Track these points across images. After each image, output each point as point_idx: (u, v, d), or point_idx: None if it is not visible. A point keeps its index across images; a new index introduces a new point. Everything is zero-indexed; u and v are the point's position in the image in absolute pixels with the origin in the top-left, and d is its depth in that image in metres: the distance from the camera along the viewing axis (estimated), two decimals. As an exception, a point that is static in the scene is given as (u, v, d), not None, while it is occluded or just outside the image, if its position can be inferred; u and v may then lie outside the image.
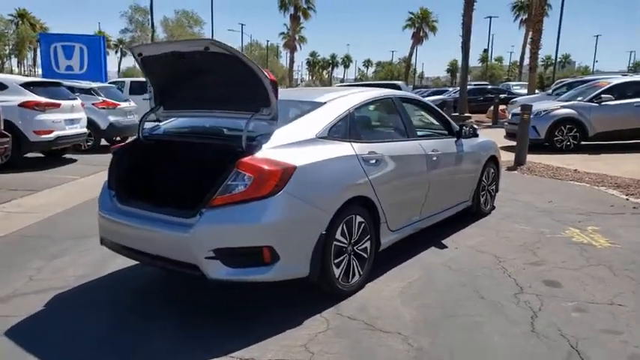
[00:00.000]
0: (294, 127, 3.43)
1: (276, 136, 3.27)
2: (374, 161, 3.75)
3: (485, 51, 64.96)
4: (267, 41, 71.76)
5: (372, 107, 4.20)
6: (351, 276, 3.57)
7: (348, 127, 3.76)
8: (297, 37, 49.73)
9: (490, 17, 51.90)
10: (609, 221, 5.55)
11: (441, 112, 5.17)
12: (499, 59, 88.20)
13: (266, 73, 3.19)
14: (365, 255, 3.70)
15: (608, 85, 11.34)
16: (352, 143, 3.68)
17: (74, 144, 10.73)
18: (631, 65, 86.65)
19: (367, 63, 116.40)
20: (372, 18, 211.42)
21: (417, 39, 56.56)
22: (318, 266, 3.26)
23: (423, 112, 5.10)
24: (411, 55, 59.31)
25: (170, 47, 3.33)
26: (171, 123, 4.07)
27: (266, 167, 3.04)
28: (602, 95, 11.05)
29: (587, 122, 11.02)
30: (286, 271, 3.14)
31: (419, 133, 4.72)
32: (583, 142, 11.19)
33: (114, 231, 3.54)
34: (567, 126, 11.11)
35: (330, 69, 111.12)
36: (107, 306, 3.57)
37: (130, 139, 3.97)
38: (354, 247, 3.58)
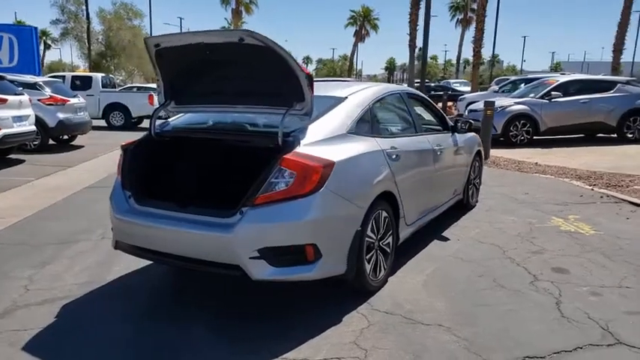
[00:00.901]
0: (324, 123, 3.38)
1: (311, 131, 3.22)
2: (395, 156, 3.77)
3: (421, 49, 66.95)
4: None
5: (386, 102, 4.22)
6: (378, 271, 3.58)
7: (371, 122, 3.77)
8: (237, 32, 48.78)
9: (429, 16, 53.37)
10: (585, 210, 5.91)
11: (437, 107, 5.28)
12: (434, 57, 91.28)
13: (301, 67, 3.12)
14: (388, 250, 3.72)
15: (557, 83, 12.06)
16: (376, 138, 3.69)
17: (21, 143, 10.02)
18: (552, 65, 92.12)
19: (307, 60, 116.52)
20: (312, 14, 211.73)
21: (359, 37, 57.37)
22: (354, 263, 3.24)
23: (422, 107, 5.19)
24: (353, 52, 60.09)
25: (197, 38, 3.17)
26: (181, 119, 3.90)
27: (310, 163, 2.98)
28: (552, 92, 11.72)
29: (539, 118, 11.66)
30: (327, 269, 3.09)
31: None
32: (535, 137, 11.83)
33: (133, 234, 3.34)
34: (521, 121, 11.70)
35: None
36: (128, 313, 3.37)
37: (141, 136, 3.75)
38: (380, 243, 3.59)
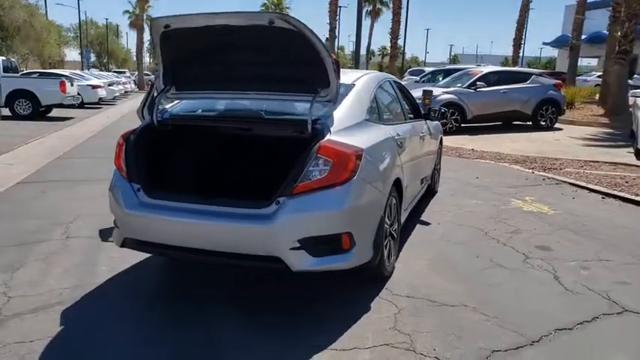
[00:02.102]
0: (345, 110, 3.34)
1: (337, 119, 3.16)
2: (399, 143, 3.83)
3: (328, 40, 67.83)
4: (107, 19, 65.51)
5: (383, 89, 4.25)
6: (390, 257, 3.63)
7: (377, 110, 3.79)
8: (145, 17, 46.04)
9: (340, 7, 54.22)
10: (536, 192, 6.42)
11: (411, 94, 5.42)
12: (341, 48, 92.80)
13: (330, 52, 3.05)
14: (395, 235, 3.78)
15: (481, 74, 12.87)
16: (384, 125, 3.72)
17: None
18: (450, 57, 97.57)
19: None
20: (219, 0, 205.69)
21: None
22: (378, 250, 3.26)
23: (402, 94, 5.28)
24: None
25: (218, 20, 2.97)
26: (182, 106, 3.64)
27: (347, 151, 2.94)
28: (477, 82, 12.49)
29: (466, 106, 12.38)
30: (359, 257, 3.08)
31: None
32: (462, 125, 12.55)
33: (147, 230, 3.09)
34: (450, 110, 12.33)
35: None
36: (139, 314, 3.13)
37: (140, 124, 3.44)
38: (390, 229, 3.64)
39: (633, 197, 5.99)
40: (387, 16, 43.05)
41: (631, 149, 9.59)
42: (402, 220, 4.10)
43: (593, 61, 45.09)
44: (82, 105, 19.25)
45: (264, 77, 3.28)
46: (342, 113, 3.26)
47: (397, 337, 2.84)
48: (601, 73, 33.64)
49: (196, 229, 2.95)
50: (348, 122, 3.24)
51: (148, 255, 3.87)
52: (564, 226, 4.96)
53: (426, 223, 5.00)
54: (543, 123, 13.09)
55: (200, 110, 3.59)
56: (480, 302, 3.26)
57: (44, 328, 2.90)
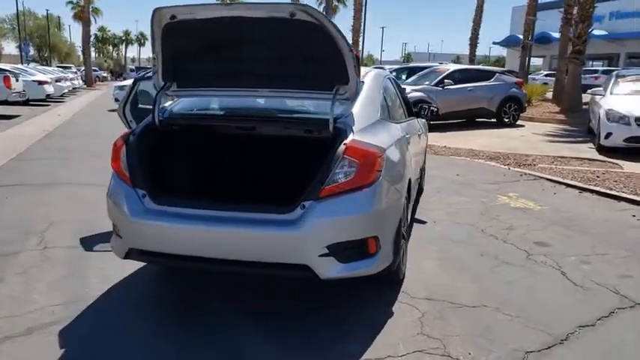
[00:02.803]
0: (361, 108, 3.21)
1: (356, 117, 3.03)
2: (408, 141, 3.75)
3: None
4: (47, 10, 62.10)
5: (387, 86, 4.14)
6: (404, 258, 3.54)
7: (387, 107, 3.69)
8: (90, 9, 44.03)
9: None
10: (518, 188, 6.52)
11: (404, 92, 5.36)
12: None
13: (351, 47, 2.91)
14: (405, 235, 3.70)
15: (448, 72, 13.06)
16: (394, 123, 3.63)
17: None
18: (404, 55, 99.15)
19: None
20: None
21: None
22: (397, 252, 3.17)
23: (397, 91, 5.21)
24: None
25: (233, 11, 2.77)
26: (183, 104, 3.41)
27: (373, 151, 2.82)
28: (445, 80, 12.67)
29: (435, 104, 12.49)
30: (384, 261, 2.96)
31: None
32: (431, 122, 12.67)
33: (157, 239, 2.85)
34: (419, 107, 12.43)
35: (122, 46, 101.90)
36: (152, 330, 2.89)
37: (140, 125, 3.18)
38: (403, 229, 3.56)
39: (608, 191, 6.19)
40: (343, 13, 43.04)
41: (591, 145, 9.97)
42: (409, 219, 4.03)
43: (538, 61, 47.10)
44: (27, 102, 18.17)
45: (277, 73, 3.10)
46: (359, 111, 3.13)
47: (428, 342, 2.75)
48: (549, 72, 35.42)
49: (214, 237, 2.75)
50: (367, 121, 3.12)
51: (140, 264, 3.61)
52: (554, 221, 5.04)
53: (422, 222, 4.95)
54: (507, 120, 13.44)
55: (206, 109, 3.37)
56: (499, 302, 3.23)
57: (43, 352, 2.64)
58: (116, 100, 18.19)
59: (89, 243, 4.32)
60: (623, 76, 10.50)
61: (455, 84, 12.80)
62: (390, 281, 3.41)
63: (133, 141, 3.03)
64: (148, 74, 4.30)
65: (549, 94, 19.69)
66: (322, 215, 2.67)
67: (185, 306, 3.23)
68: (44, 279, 3.57)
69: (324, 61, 2.94)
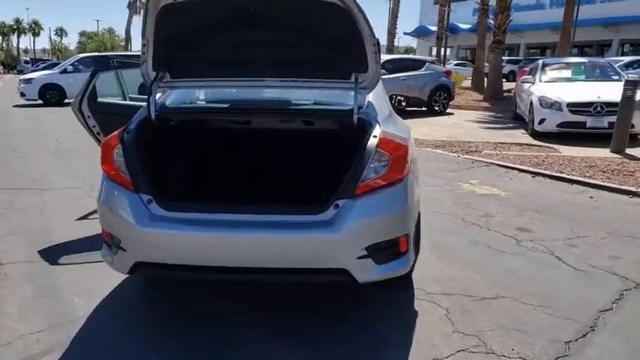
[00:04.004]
0: (376, 98, 3.03)
1: (377, 108, 2.85)
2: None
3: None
4: None
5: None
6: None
7: (388, 99, 3.55)
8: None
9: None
10: (475, 175, 6.70)
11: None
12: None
13: (373, 31, 2.71)
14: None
15: (382, 61, 13.17)
16: (397, 115, 3.50)
17: None
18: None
19: (61, 32, 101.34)
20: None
21: (134, 9, 52.60)
22: (417, 248, 3.06)
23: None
24: (129, 25, 54.91)
25: None
26: (178, 97, 3.03)
27: (404, 144, 2.65)
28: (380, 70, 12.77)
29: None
30: (411, 259, 2.83)
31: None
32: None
33: (169, 250, 2.50)
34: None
35: (14, 36, 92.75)
36: (162, 346, 2.54)
37: (134, 121, 2.76)
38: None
39: (559, 175, 6.54)
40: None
41: (523, 130, 10.53)
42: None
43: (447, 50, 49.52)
44: None
45: (287, 60, 2.84)
46: (377, 102, 2.96)
47: (466, 340, 2.67)
48: (458, 62, 37.33)
49: (239, 244, 2.46)
50: (384, 112, 2.96)
51: (122, 275, 3.19)
52: (525, 206, 5.20)
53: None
54: (437, 108, 13.87)
55: (207, 101, 3.01)
56: (513, 292, 3.23)
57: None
58: (22, 94, 16.52)
59: (51, 255, 3.80)
60: (549, 64, 11.18)
61: (388, 74, 12.95)
62: (398, 278, 3.28)
63: (130, 139, 2.63)
64: (135, 61, 3.81)
65: (465, 83, 20.71)
66: (360, 214, 2.48)
67: (196, 316, 2.89)
68: (12, 301, 3.08)
69: (341, 46, 2.73)
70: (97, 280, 3.33)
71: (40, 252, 3.83)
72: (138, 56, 2.77)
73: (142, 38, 2.75)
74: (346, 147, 2.64)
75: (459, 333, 2.74)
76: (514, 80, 20.95)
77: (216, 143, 3.20)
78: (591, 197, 5.57)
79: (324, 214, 2.48)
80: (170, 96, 3.03)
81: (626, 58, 16.79)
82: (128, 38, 54.98)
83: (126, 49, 50.64)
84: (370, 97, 2.92)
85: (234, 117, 2.93)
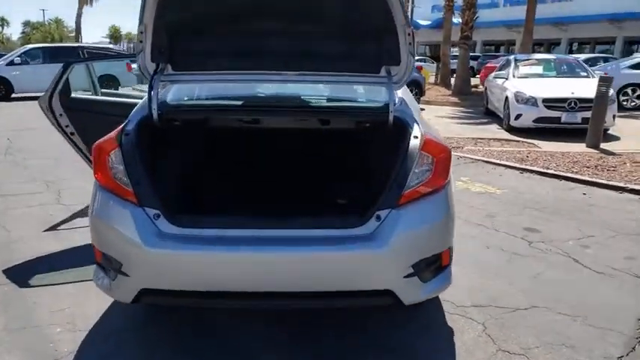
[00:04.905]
0: (406, 95, 2.73)
1: (411, 106, 2.56)
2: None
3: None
4: None
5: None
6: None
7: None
8: None
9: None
10: (463, 171, 6.52)
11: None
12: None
13: (408, 20, 2.41)
14: None
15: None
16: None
17: None
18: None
19: (2, 22, 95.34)
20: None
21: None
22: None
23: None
24: (79, 16, 52.21)
25: None
26: (178, 92, 2.63)
27: (447, 147, 2.37)
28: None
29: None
30: (451, 273, 2.54)
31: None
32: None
33: (182, 274, 2.12)
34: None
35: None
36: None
37: (132, 121, 2.33)
38: None
39: (546, 171, 6.47)
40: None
41: (497, 126, 10.53)
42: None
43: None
44: None
45: (307, 51, 2.50)
46: (408, 99, 2.66)
47: (517, 358, 2.43)
48: (419, 57, 37.67)
49: (266, 265, 2.11)
50: (417, 110, 2.66)
51: (108, 299, 2.75)
52: (523, 204, 5.05)
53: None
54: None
55: (215, 97, 2.63)
56: (544, 300, 3.03)
57: None
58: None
59: (20, 275, 3.31)
60: (521, 60, 11.24)
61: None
62: None
63: (130, 142, 2.22)
64: (120, 53, 3.34)
65: (431, 79, 20.79)
66: (406, 227, 2.17)
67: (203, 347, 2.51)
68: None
69: (371, 35, 2.42)
70: (80, 305, 2.90)
71: (4, 272, 3.33)
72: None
73: (139, 24, 2.34)
74: (379, 150, 2.33)
75: (504, 352, 2.50)
76: (474, 76, 21.24)
77: (228, 146, 2.82)
78: (584, 194, 5.49)
79: (363, 228, 2.16)
80: (171, 92, 2.63)
81: (583, 56, 17.24)
82: (78, 30, 52.40)
83: (76, 41, 48.24)
84: (400, 93, 2.62)
85: (248, 116, 2.56)
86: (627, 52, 30.61)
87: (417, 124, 2.40)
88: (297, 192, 2.69)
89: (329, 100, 2.81)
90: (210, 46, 2.46)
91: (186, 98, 2.72)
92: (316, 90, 2.85)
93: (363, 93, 2.76)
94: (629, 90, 13.22)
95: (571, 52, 32.71)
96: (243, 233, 2.15)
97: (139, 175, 2.16)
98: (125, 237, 2.12)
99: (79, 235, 4.02)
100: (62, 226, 4.31)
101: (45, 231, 4.18)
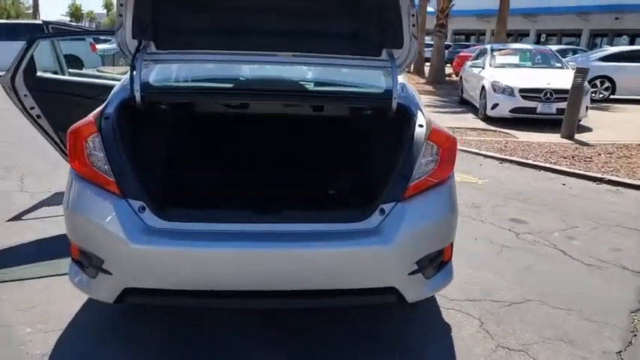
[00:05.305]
0: (405, 80, 2.59)
1: (413, 92, 2.43)
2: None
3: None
4: None
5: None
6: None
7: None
8: None
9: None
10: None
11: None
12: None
13: None
14: None
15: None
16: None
17: None
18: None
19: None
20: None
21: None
22: None
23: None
24: (37, -8, 49.92)
25: None
26: (161, 73, 2.42)
27: (452, 136, 2.25)
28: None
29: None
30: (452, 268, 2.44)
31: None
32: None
33: (169, 271, 1.94)
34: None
35: None
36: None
37: (110, 104, 2.12)
38: None
39: (525, 161, 6.50)
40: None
41: (473, 115, 10.55)
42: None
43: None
44: None
45: (303, 31, 2.33)
46: (408, 85, 2.52)
47: (515, 356, 2.37)
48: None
49: (262, 261, 1.96)
50: (419, 97, 2.53)
51: (83, 295, 2.53)
52: (506, 195, 5.03)
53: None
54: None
55: (202, 79, 2.42)
56: (537, 293, 2.99)
57: None
58: None
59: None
60: (497, 49, 11.27)
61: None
62: None
63: (111, 126, 2.01)
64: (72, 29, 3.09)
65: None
66: (412, 221, 2.05)
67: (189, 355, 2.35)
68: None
69: (372, 15, 2.27)
70: (50, 301, 2.69)
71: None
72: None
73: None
74: (380, 139, 2.20)
75: (503, 348, 2.43)
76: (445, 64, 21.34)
77: (218, 133, 2.62)
78: (564, 184, 5.52)
79: (367, 222, 2.03)
80: (154, 72, 2.41)
81: (555, 47, 17.49)
82: (36, 6, 50.19)
83: (34, 18, 46.19)
84: (401, 78, 2.48)
85: (238, 100, 2.37)
86: (592, 45, 31.48)
87: (421, 111, 2.27)
88: (293, 183, 2.53)
89: (326, 84, 2.65)
90: (198, 22, 2.26)
91: (171, 79, 2.51)
92: (313, 73, 2.68)
93: (362, 77, 2.61)
94: (597, 82, 13.48)
95: (538, 43, 33.30)
96: (237, 227, 1.99)
97: (121, 163, 1.97)
98: (107, 232, 1.92)
99: (47, 224, 3.77)
100: (27, 216, 4.04)
101: (8, 221, 3.90)
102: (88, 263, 2.02)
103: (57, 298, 2.70)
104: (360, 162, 2.48)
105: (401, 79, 2.49)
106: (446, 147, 2.18)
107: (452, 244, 2.31)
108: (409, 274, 2.05)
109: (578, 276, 3.27)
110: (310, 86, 2.59)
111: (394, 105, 2.23)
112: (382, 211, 2.04)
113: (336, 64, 2.40)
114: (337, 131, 2.63)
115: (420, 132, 2.14)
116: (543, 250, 3.66)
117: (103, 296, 2.05)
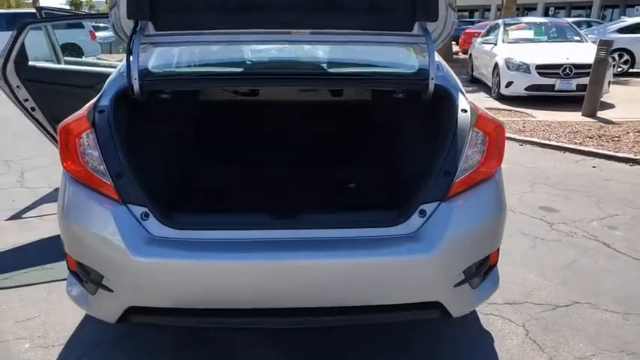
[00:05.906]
0: (440, 58, 2.28)
1: (450, 72, 2.12)
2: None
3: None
4: None
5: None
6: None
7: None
8: None
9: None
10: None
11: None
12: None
13: None
14: None
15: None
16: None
17: None
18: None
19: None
20: None
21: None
22: None
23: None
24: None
25: None
26: (161, 57, 2.12)
27: (500, 123, 1.94)
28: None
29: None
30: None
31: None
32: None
33: (178, 288, 1.67)
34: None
35: None
36: None
37: (105, 95, 1.83)
38: None
39: (547, 142, 6.16)
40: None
41: (485, 94, 10.16)
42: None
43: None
44: None
45: (321, 5, 2.01)
46: (441, 62, 2.21)
47: (570, 371, 2.09)
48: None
49: (285, 274, 1.68)
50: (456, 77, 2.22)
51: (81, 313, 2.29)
52: (532, 180, 4.73)
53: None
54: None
55: (209, 64, 2.12)
56: (584, 294, 2.71)
57: None
58: None
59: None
60: (510, 24, 10.81)
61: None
62: None
63: (106, 121, 1.73)
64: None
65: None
66: (458, 224, 1.76)
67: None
68: None
69: None
70: (52, 312, 2.44)
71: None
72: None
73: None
74: (415, 127, 1.90)
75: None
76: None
77: (228, 126, 2.33)
78: (594, 167, 5.20)
79: (404, 226, 1.74)
80: (153, 56, 2.11)
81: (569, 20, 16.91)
82: (36, -6, 49.59)
83: (34, 6, 45.58)
84: (437, 56, 2.16)
85: (250, 85, 2.07)
86: (602, 17, 30.60)
87: (463, 93, 1.97)
88: (315, 182, 2.24)
89: (349, 65, 2.34)
90: (194, 5, 1.94)
91: (173, 65, 2.21)
92: (334, 53, 2.36)
93: (391, 56, 2.29)
94: (615, 55, 12.97)
95: (546, 16, 32.49)
96: (254, 235, 1.71)
97: (120, 164, 1.69)
98: (105, 244, 1.65)
99: (49, 224, 3.52)
100: (28, 214, 3.79)
101: (8, 220, 3.66)
102: (87, 278, 1.76)
103: (57, 308, 2.46)
104: (390, 155, 2.18)
105: (438, 57, 2.18)
106: (494, 135, 1.88)
107: (498, 251, 2.03)
108: (455, 285, 1.77)
109: (628, 273, 2.98)
110: (331, 68, 2.27)
111: (431, 87, 1.93)
112: (422, 212, 1.75)
113: (361, 42, 2.08)
114: (361, 120, 2.32)
115: (464, 118, 1.84)
116: (583, 243, 3.36)
117: (104, 315, 1.79)
